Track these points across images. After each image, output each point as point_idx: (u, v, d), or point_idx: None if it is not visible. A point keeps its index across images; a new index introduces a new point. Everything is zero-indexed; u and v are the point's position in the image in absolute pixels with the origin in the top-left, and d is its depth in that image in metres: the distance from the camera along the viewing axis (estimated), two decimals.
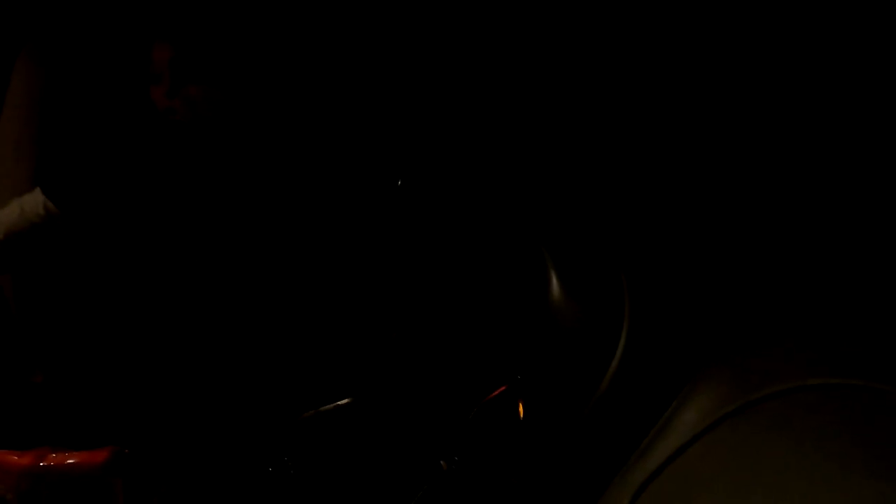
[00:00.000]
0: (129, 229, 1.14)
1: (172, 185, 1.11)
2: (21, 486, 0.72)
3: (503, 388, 0.90)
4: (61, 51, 1.22)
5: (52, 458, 0.73)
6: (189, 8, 1.04)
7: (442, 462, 0.91)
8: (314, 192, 1.13)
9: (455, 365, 1.00)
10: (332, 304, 1.17)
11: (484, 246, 1.00)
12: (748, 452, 0.61)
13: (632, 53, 0.78)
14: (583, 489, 0.73)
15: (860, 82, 0.68)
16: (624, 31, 0.78)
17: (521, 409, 0.86)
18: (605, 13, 0.81)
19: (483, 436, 0.88)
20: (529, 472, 0.82)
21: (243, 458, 1.02)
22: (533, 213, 0.90)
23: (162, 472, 0.98)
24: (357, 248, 1.14)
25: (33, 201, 1.11)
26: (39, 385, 1.19)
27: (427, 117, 0.98)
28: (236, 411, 1.11)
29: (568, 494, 0.76)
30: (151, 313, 1.18)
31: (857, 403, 0.58)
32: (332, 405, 1.06)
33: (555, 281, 0.87)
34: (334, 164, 1.13)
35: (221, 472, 1.02)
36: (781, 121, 0.73)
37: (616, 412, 0.73)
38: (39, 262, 1.19)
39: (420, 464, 0.94)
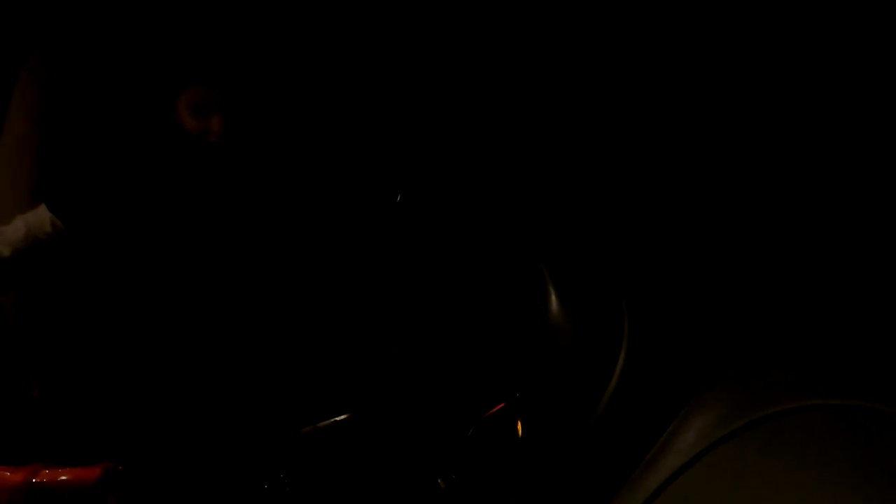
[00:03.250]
0: (133, 245, 1.14)
1: (179, 200, 1.11)
2: (14, 502, 0.71)
3: (502, 405, 0.89)
4: (66, 63, 1.22)
5: (45, 475, 0.72)
6: (223, 46, 1.06)
7: (440, 480, 0.90)
8: (316, 209, 1.13)
9: (454, 382, 0.99)
10: (331, 321, 1.17)
11: (484, 263, 1.00)
12: (748, 472, 0.60)
13: (636, 73, 0.79)
14: None
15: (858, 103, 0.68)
16: (625, 46, 0.79)
17: (519, 427, 0.85)
18: (606, 28, 0.81)
19: (481, 453, 0.87)
20: (528, 490, 0.81)
21: (240, 473, 1.01)
22: (533, 231, 0.89)
23: (158, 487, 0.98)
24: (356, 265, 1.14)
25: (38, 218, 1.11)
26: (36, 399, 1.19)
27: (430, 135, 0.98)
28: (234, 426, 1.10)
29: None
30: (150, 329, 1.18)
31: (856, 424, 0.57)
32: (330, 421, 1.05)
33: (554, 299, 0.86)
34: (338, 181, 1.13)
35: (218, 488, 1.01)
36: (778, 145, 0.73)
37: (615, 432, 0.73)
38: (43, 278, 1.19)
39: (418, 481, 0.93)
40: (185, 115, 1.05)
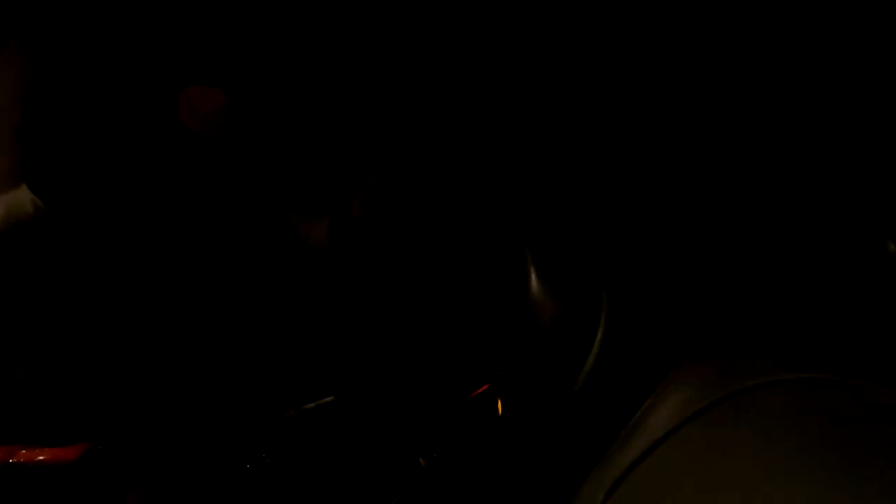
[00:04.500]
0: (118, 226, 1.13)
1: (163, 181, 1.11)
2: None
3: (486, 386, 0.89)
4: (49, 41, 1.21)
5: (23, 455, 0.73)
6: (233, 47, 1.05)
7: (421, 459, 0.91)
8: (294, 190, 1.12)
9: (436, 362, 1.00)
10: (314, 302, 1.17)
11: (464, 242, 1.00)
12: (722, 448, 0.60)
13: (609, 50, 0.78)
14: (559, 485, 0.73)
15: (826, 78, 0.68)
16: (600, 29, 0.78)
17: (499, 405, 0.86)
18: (588, 13, 0.81)
19: (461, 432, 0.88)
20: (507, 468, 0.82)
21: (222, 455, 1.02)
22: (513, 209, 0.90)
23: (140, 468, 0.98)
24: (338, 247, 1.14)
25: (19, 199, 1.10)
26: (20, 381, 1.19)
27: (410, 113, 0.98)
28: (217, 408, 1.10)
29: (544, 490, 0.76)
30: (134, 311, 1.17)
31: (831, 399, 0.58)
32: (314, 403, 1.05)
33: (534, 278, 0.86)
34: (319, 161, 1.12)
35: (200, 470, 1.01)
36: (761, 114, 0.73)
37: (592, 408, 0.73)
38: (26, 260, 1.18)
39: (400, 461, 0.94)
40: (183, 110, 1.05)
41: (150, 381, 1.13)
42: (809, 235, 0.69)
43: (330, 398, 1.05)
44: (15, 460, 0.73)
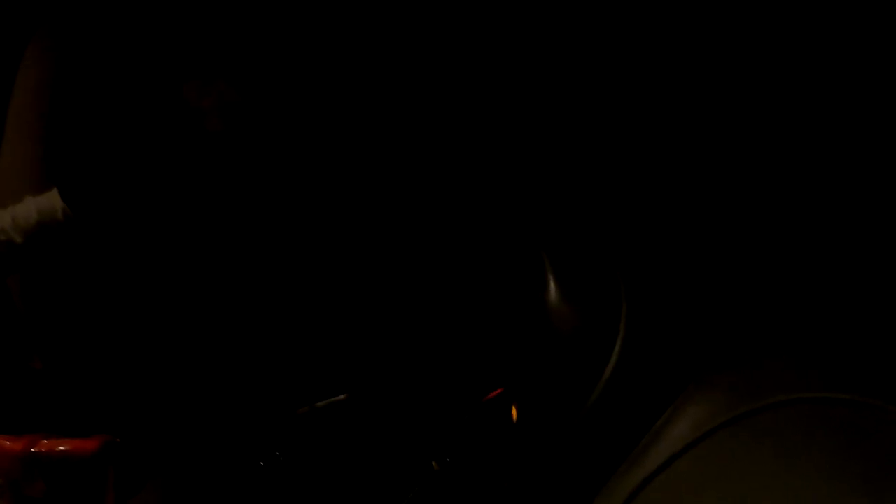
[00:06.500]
0: (143, 231, 1.14)
1: (187, 187, 1.12)
2: (12, 471, 0.72)
3: (499, 390, 0.89)
4: (76, 37, 1.21)
5: (44, 445, 0.73)
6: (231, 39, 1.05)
7: (433, 462, 0.91)
8: (315, 193, 1.13)
9: (451, 366, 1.00)
10: (330, 302, 1.17)
11: (484, 249, 1.00)
12: (740, 464, 0.60)
13: (632, 64, 0.78)
14: (574, 494, 0.73)
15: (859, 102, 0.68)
16: (622, 38, 0.78)
17: (514, 412, 0.86)
18: (603, 18, 0.81)
19: (476, 438, 0.88)
20: (521, 475, 0.82)
21: (236, 451, 1.02)
22: (534, 218, 0.90)
23: (155, 462, 0.99)
24: (357, 247, 1.15)
25: (50, 205, 1.11)
26: (39, 372, 1.20)
27: (428, 123, 0.98)
28: (232, 405, 1.11)
29: (558, 499, 0.76)
30: (152, 306, 1.18)
31: (850, 418, 0.58)
32: (327, 401, 1.06)
33: (553, 286, 0.86)
34: (337, 166, 1.13)
35: (214, 465, 1.02)
36: (779, 137, 0.73)
37: (609, 419, 0.73)
38: (51, 261, 1.20)
39: (412, 463, 0.94)
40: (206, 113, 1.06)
41: (166, 378, 1.14)
42: (832, 254, 0.69)
43: (342, 396, 1.06)
44: (37, 450, 0.74)
